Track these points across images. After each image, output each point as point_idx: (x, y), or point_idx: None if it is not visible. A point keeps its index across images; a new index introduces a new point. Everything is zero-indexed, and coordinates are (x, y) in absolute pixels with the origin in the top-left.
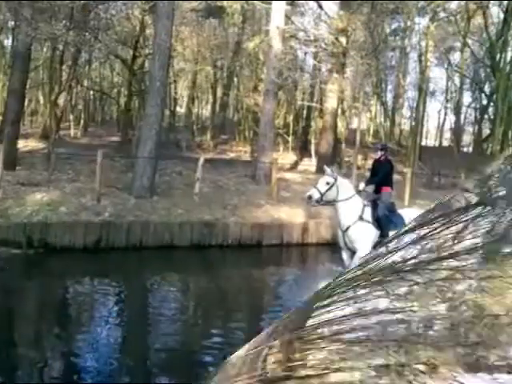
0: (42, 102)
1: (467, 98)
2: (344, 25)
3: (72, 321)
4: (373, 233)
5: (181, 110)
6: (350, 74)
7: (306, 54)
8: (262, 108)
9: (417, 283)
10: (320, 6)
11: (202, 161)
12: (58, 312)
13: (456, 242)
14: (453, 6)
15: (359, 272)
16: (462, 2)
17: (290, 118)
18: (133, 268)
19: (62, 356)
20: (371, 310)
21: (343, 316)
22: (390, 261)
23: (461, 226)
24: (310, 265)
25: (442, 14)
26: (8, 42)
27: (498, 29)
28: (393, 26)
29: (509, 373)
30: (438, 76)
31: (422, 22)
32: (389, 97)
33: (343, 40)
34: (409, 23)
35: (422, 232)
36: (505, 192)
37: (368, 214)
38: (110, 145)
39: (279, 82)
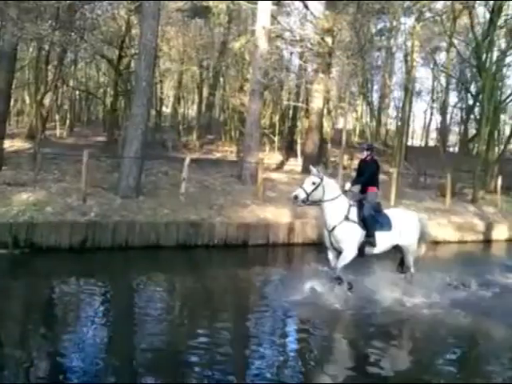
0: (27, 102)
1: (453, 97)
2: (330, 25)
3: (58, 321)
4: (359, 233)
5: (167, 110)
6: (335, 73)
7: (291, 53)
8: (248, 108)
9: None
10: (306, 6)
11: (188, 161)
12: (44, 312)
13: None
14: (439, 6)
15: None
16: (448, 2)
17: (276, 118)
18: (119, 268)
19: (48, 356)
20: None
21: None
22: None
23: None
24: (296, 265)
25: (427, 14)
26: None
27: (484, 29)
28: (378, 26)
29: None
30: (423, 76)
31: (407, 22)
32: (375, 97)
33: (329, 40)
34: (394, 23)
35: None
36: None
37: (354, 213)
38: (96, 145)
39: (265, 81)
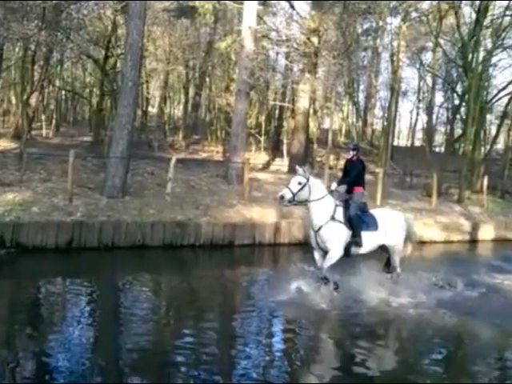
0: (13, 102)
1: (439, 97)
2: (316, 25)
3: (44, 321)
4: (345, 233)
5: (153, 109)
6: (321, 74)
7: (277, 54)
8: (234, 108)
9: None
10: (292, 6)
11: (174, 161)
12: (30, 312)
13: None
14: (425, 5)
15: None
16: (434, 2)
17: (262, 118)
18: (105, 268)
19: (34, 356)
20: None
21: None
22: None
23: None
24: (282, 265)
25: (413, 14)
26: None
27: (470, 29)
28: (365, 26)
29: None
30: (410, 76)
31: (393, 22)
32: (361, 97)
33: (315, 40)
34: (381, 23)
35: None
36: None
37: (340, 214)
38: (82, 145)
39: (251, 82)
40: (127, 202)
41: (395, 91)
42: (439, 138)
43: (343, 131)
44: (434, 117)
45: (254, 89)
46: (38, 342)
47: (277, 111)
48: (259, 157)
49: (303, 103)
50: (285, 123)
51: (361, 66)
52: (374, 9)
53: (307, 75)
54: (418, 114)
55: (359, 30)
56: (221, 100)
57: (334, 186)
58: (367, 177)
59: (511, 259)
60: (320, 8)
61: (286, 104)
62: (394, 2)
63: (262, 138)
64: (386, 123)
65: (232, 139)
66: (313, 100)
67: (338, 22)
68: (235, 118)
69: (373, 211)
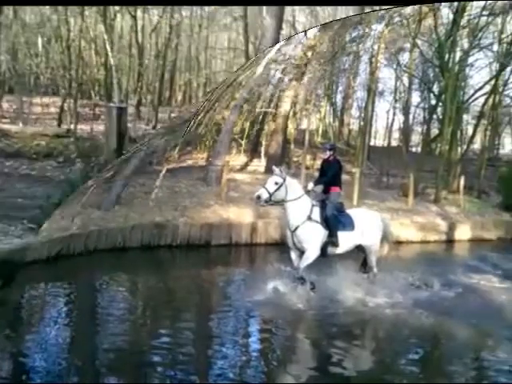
0: None
1: (416, 97)
2: (315, 42)
3: (21, 321)
4: (321, 233)
5: None
6: (306, 79)
7: (276, 70)
8: (227, 119)
9: None
10: (305, 34)
11: (164, 171)
12: (7, 313)
13: None
14: (408, 10)
15: None
16: (417, 6)
17: (247, 124)
18: (83, 270)
19: (11, 356)
20: None
21: None
22: None
23: None
24: (259, 265)
25: (396, 19)
26: None
27: (447, 29)
28: (353, 34)
29: None
30: (386, 76)
31: (378, 27)
32: (338, 97)
33: (309, 53)
34: (367, 30)
35: None
36: None
37: (316, 214)
38: None
39: (248, 96)
40: (116, 211)
41: (372, 91)
42: (416, 138)
43: (320, 131)
44: (411, 117)
45: (247, 101)
46: (15, 343)
47: (260, 116)
48: (239, 159)
49: (285, 107)
50: (266, 126)
51: (342, 70)
52: (365, 19)
53: (294, 82)
54: (394, 113)
55: (347, 38)
56: (219, 116)
57: (310, 186)
58: (344, 177)
59: (488, 259)
60: (326, 29)
61: (269, 110)
62: (383, 11)
63: (243, 142)
64: (362, 123)
65: (217, 145)
66: (294, 103)
67: (332, 36)
68: (225, 127)
69: (349, 211)
